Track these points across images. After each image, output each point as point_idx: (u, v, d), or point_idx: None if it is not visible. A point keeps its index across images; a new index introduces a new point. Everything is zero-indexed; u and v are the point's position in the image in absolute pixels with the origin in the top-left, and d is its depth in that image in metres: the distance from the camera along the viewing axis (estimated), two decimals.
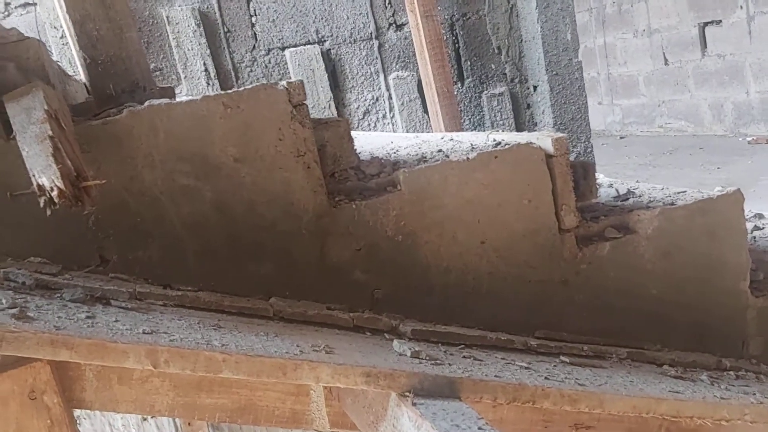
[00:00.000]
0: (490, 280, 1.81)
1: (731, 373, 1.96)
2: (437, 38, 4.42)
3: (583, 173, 1.91)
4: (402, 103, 4.62)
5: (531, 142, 1.81)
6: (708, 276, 2.01)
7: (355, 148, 1.77)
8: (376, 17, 4.50)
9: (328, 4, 4.38)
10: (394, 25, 4.55)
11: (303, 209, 1.61)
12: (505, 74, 4.86)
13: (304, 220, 1.62)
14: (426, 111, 4.64)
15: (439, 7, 4.48)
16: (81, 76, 2.96)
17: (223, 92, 1.53)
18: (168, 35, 4.11)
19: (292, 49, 4.30)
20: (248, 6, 4.24)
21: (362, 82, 4.53)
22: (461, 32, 4.70)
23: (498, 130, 2.55)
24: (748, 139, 8.46)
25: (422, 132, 4.39)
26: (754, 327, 2.10)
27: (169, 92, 1.78)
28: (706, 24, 8.97)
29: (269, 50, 4.30)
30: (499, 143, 1.87)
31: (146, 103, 1.50)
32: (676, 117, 9.73)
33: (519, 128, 4.84)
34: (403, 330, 1.62)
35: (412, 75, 4.62)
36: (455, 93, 4.66)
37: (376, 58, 4.52)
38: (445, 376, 1.38)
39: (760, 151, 7.85)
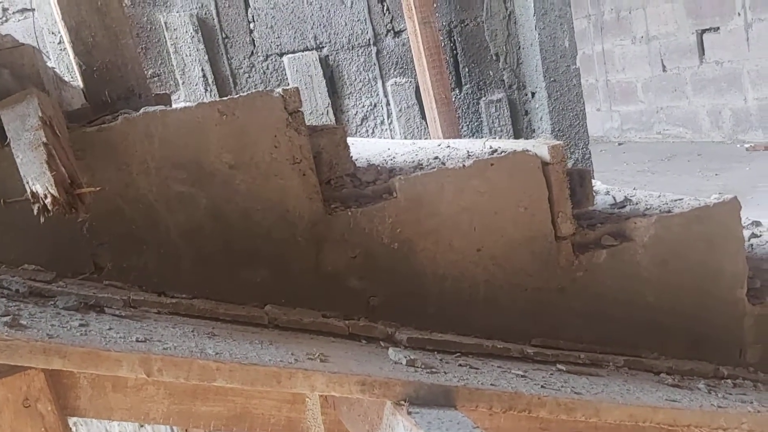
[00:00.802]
0: (487, 287, 1.81)
1: (728, 381, 1.95)
2: (435, 45, 4.42)
3: (579, 180, 1.91)
4: (400, 110, 4.62)
5: (527, 150, 1.81)
6: (705, 284, 2.01)
7: (351, 155, 1.76)
8: (374, 24, 4.50)
9: (326, 11, 4.38)
10: (392, 31, 4.56)
11: (298, 216, 1.61)
12: (503, 81, 4.87)
13: (299, 227, 1.62)
14: (424, 117, 4.65)
15: (437, 14, 4.49)
16: (78, 81, 2.95)
17: (218, 99, 1.53)
18: (166, 41, 4.12)
19: (290, 56, 4.31)
20: (246, 12, 4.25)
21: (360, 89, 4.53)
22: (459, 39, 4.71)
23: (495, 137, 2.55)
24: (746, 145, 8.47)
25: (420, 138, 4.40)
26: (752, 335, 2.10)
27: (165, 99, 1.78)
28: (704, 31, 8.99)
29: (267, 56, 4.30)
30: (496, 150, 1.87)
31: (141, 110, 1.50)
32: (674, 123, 9.74)
33: (517, 135, 4.84)
34: (399, 338, 1.62)
35: (410, 81, 4.63)
36: (453, 99, 4.66)
37: (374, 64, 4.53)
38: (440, 385, 1.37)
39: (758, 158, 7.86)
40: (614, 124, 10.73)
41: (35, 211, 1.25)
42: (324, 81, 4.37)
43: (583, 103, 4.95)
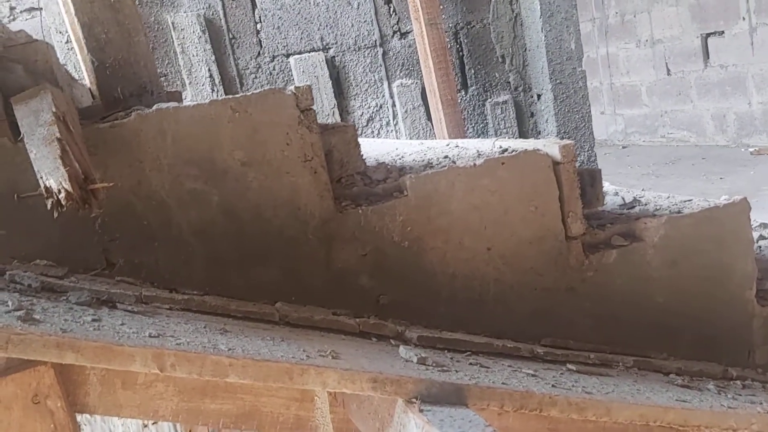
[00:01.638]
0: (497, 286, 1.80)
1: (737, 382, 1.95)
2: (441, 46, 4.42)
3: (590, 180, 1.91)
4: (406, 111, 4.62)
5: (538, 149, 1.81)
6: (714, 285, 2.00)
7: (361, 153, 1.76)
8: (381, 25, 4.51)
9: (333, 12, 4.39)
10: (398, 32, 4.56)
11: (309, 214, 1.61)
12: (509, 83, 4.86)
13: (310, 224, 1.62)
14: (430, 119, 4.65)
15: (443, 15, 4.49)
16: (86, 80, 2.96)
17: (231, 96, 1.53)
18: (173, 41, 4.12)
19: (296, 56, 4.31)
20: (253, 13, 4.25)
21: (366, 90, 4.54)
22: (465, 40, 4.71)
23: (504, 137, 2.54)
24: (751, 149, 8.47)
25: (426, 140, 4.39)
26: (761, 336, 2.09)
27: (177, 96, 1.78)
28: (708, 35, 8.99)
29: (274, 57, 4.30)
30: (506, 150, 1.87)
31: (154, 107, 1.50)
32: (679, 127, 9.74)
33: (523, 137, 4.84)
34: (409, 336, 1.61)
35: (416, 83, 4.63)
36: (459, 101, 4.66)
37: (380, 65, 4.53)
38: (452, 383, 1.37)
39: (762, 162, 7.85)
40: (618, 127, 10.73)
41: (49, 206, 1.25)
42: (330, 82, 4.38)
43: (589, 105, 4.95)
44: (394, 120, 4.64)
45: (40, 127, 1.32)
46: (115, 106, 1.63)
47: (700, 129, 9.43)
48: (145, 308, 1.37)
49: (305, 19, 4.34)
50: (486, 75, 4.82)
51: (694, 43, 9.13)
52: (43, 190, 1.25)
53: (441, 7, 4.46)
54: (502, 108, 4.85)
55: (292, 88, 1.57)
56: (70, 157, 1.29)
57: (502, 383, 1.46)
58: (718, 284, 2.01)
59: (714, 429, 1.68)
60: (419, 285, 1.75)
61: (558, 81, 4.78)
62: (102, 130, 1.47)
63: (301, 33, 4.33)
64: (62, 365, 1.44)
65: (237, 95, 1.54)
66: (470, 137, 4.72)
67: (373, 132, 4.61)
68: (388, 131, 4.63)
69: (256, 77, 4.27)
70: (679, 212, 1.97)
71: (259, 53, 4.28)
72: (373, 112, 4.59)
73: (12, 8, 4.01)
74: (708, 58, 9.05)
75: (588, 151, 4.94)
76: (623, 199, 2.21)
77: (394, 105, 4.62)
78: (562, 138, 4.79)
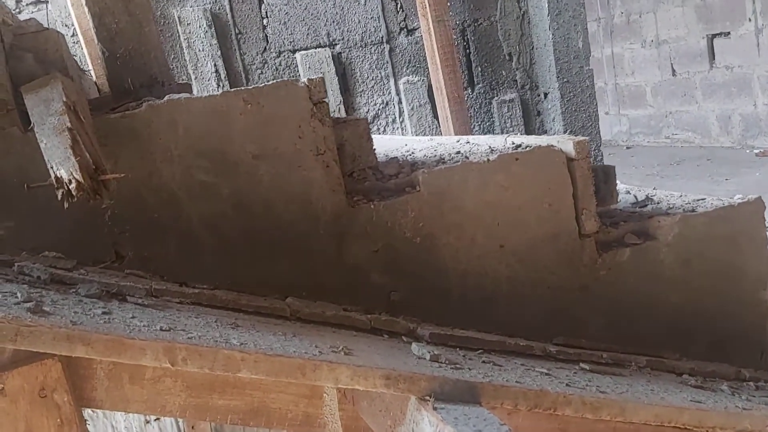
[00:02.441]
0: (509, 284, 1.78)
1: (751, 383, 1.92)
2: (449, 43, 4.40)
3: (604, 177, 1.89)
4: (412, 108, 4.60)
5: (552, 145, 1.78)
6: (728, 285, 1.98)
7: (374, 147, 1.74)
8: (388, 21, 4.48)
9: (340, 8, 4.36)
10: (405, 29, 4.54)
11: (321, 209, 1.59)
12: (516, 81, 4.84)
13: (322, 219, 1.60)
14: (436, 116, 4.62)
15: (450, 13, 4.47)
16: (92, 74, 2.94)
17: (243, 88, 1.51)
18: (179, 36, 4.10)
19: (302, 52, 4.29)
20: (260, 8, 4.23)
21: (372, 86, 4.51)
22: (473, 38, 4.69)
23: (515, 134, 2.52)
24: (756, 151, 8.43)
25: (435, 136, 4.37)
26: None
27: (187, 88, 1.76)
28: (714, 36, 8.96)
29: (280, 53, 4.28)
30: (519, 146, 1.85)
31: (166, 98, 1.48)
32: (683, 128, 9.71)
33: (529, 135, 4.82)
34: (421, 333, 1.59)
35: (423, 80, 4.61)
36: (465, 99, 4.64)
37: (387, 62, 4.51)
38: (466, 381, 1.35)
39: (767, 164, 7.82)
40: (623, 127, 10.70)
41: (59, 197, 1.23)
42: (336, 78, 4.36)
43: (596, 104, 4.93)
44: (400, 117, 4.62)
45: (51, 117, 1.30)
46: (125, 97, 1.61)
47: (705, 130, 9.40)
48: (156, 301, 1.34)
49: (312, 14, 4.32)
50: (493, 73, 4.79)
51: (700, 44, 9.10)
52: (54, 181, 1.23)
53: (448, 4, 4.44)
54: (508, 106, 4.82)
55: (305, 80, 1.54)
56: (80, 147, 1.27)
57: (516, 382, 1.44)
58: (732, 284, 1.99)
59: (728, 430, 1.66)
60: (431, 282, 1.73)
61: (565, 80, 4.75)
62: (113, 121, 1.45)
63: (308, 29, 4.31)
64: (69, 359, 1.42)
65: (249, 87, 1.51)
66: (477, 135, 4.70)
67: (378, 129, 4.59)
68: (394, 128, 4.61)
69: (262, 73, 4.25)
70: (692, 211, 1.95)
71: (265, 48, 4.25)
72: (379, 109, 4.57)
73: (18, 1, 3.99)
74: (713, 59, 9.02)
75: (595, 150, 4.91)
76: (635, 197, 2.18)
77: (400, 102, 4.60)
78: None
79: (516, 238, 1.76)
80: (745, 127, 8.86)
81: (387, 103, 4.57)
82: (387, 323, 1.58)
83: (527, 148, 1.77)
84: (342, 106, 4.39)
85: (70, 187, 1.21)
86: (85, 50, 3.55)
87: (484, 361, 1.55)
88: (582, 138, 1.80)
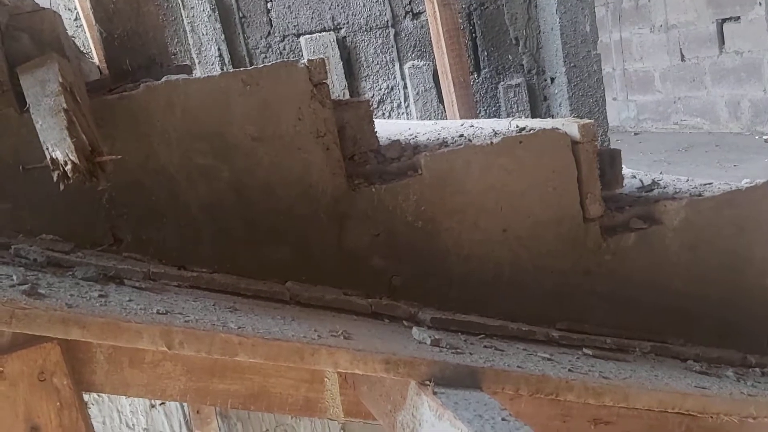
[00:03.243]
0: (512, 269, 1.76)
1: (756, 369, 1.90)
2: (454, 27, 4.35)
3: (609, 161, 1.86)
4: (417, 93, 4.56)
5: (557, 128, 1.76)
6: (734, 270, 1.95)
7: (375, 130, 1.72)
8: (393, 5, 4.44)
9: None
10: (410, 13, 4.49)
11: (321, 192, 1.57)
12: (522, 65, 4.79)
13: (322, 202, 1.58)
14: (441, 101, 4.59)
15: None
16: (94, 57, 2.91)
17: (242, 69, 1.49)
18: (183, 19, 4.07)
19: (307, 36, 4.25)
20: None
21: (377, 71, 4.48)
22: (479, 22, 4.64)
23: (520, 118, 2.50)
24: (765, 137, 8.35)
25: (439, 120, 4.33)
26: None
27: (186, 70, 1.74)
28: (724, 20, 8.85)
29: (284, 37, 4.25)
30: (523, 129, 1.82)
31: (163, 79, 1.46)
32: (692, 114, 9.62)
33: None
34: (423, 318, 1.58)
35: (428, 64, 4.56)
36: (471, 83, 4.60)
37: (392, 46, 4.47)
38: (466, 366, 1.34)
39: None
40: (630, 113, 10.61)
41: (55, 178, 1.21)
42: (341, 62, 4.32)
43: (603, 89, 4.88)
44: (405, 102, 4.58)
45: (47, 98, 1.28)
46: (123, 79, 1.59)
47: (713, 116, 9.31)
48: (153, 285, 1.33)
49: None
50: (499, 57, 4.74)
51: (709, 29, 8.99)
52: (49, 162, 1.21)
53: None
54: (515, 91, 4.78)
55: (305, 61, 1.52)
56: (77, 129, 1.25)
57: (518, 366, 1.42)
58: (738, 270, 1.97)
59: (733, 416, 1.65)
60: (433, 266, 1.71)
61: (572, 64, 4.70)
62: (109, 102, 1.43)
63: (312, 12, 4.27)
64: (68, 342, 1.41)
65: (248, 68, 1.49)
66: None
67: (384, 114, 4.55)
68: (399, 113, 4.58)
69: (266, 57, 4.22)
70: (699, 195, 1.92)
71: (269, 33, 4.22)
72: (384, 94, 4.53)
73: None
74: (723, 44, 8.92)
75: (602, 135, 4.86)
76: (641, 181, 2.15)
77: (405, 87, 4.56)
78: None
79: (519, 222, 1.74)
80: (754, 113, 8.78)
81: (392, 88, 4.54)
82: (388, 307, 1.56)
83: (531, 131, 1.74)
84: (347, 91, 4.35)
85: (66, 169, 1.20)
86: (87, 33, 3.53)
87: (485, 346, 1.53)
88: (587, 120, 1.77)
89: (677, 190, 2.05)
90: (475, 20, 4.63)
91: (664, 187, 2.12)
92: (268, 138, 1.51)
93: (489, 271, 1.75)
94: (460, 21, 4.48)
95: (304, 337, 1.26)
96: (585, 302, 1.84)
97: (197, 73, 3.94)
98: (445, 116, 4.55)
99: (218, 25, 4.07)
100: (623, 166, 2.54)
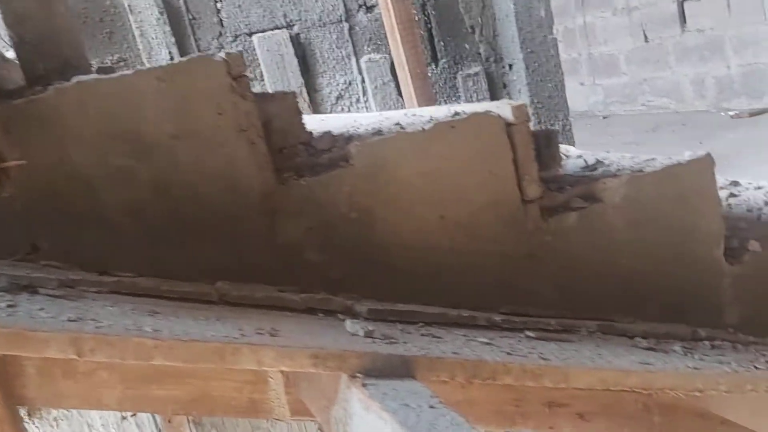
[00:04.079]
0: (453, 255, 1.74)
1: (706, 343, 1.89)
2: (408, 19, 4.33)
3: (546, 142, 1.84)
4: (375, 87, 4.53)
5: (489, 111, 1.73)
6: (680, 244, 1.94)
7: (304, 122, 1.68)
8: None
9: None
10: (364, 6, 4.46)
11: (248, 187, 1.53)
12: (480, 54, 4.78)
13: (250, 198, 1.54)
14: (401, 94, 4.56)
15: None
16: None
17: (156, 66, 1.45)
18: (131, 24, 4.01)
19: (259, 35, 4.21)
20: None
21: (334, 66, 4.44)
22: (433, 12, 4.62)
23: (463, 104, 2.49)
24: (731, 113, 8.43)
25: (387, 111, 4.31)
26: (730, 295, 2.04)
27: (109, 71, 1.69)
28: None
29: (236, 36, 4.20)
30: (458, 114, 1.79)
31: (73, 80, 1.42)
32: (658, 94, 9.69)
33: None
34: (359, 310, 1.55)
35: (385, 57, 4.54)
36: (430, 74, 4.58)
37: (347, 41, 4.43)
38: (399, 355, 1.31)
39: (742, 125, 7.82)
40: (598, 98, 10.66)
41: None
42: (296, 60, 4.28)
43: (562, 73, 4.88)
44: (364, 96, 4.55)
45: None
46: (38, 84, 1.54)
47: (679, 95, 9.38)
48: (69, 292, 1.29)
49: None
50: (456, 47, 4.73)
51: (671, 8, 9.06)
52: None
53: None
54: (473, 80, 4.77)
55: (222, 54, 1.48)
56: None
57: (453, 353, 1.40)
58: (685, 244, 1.95)
59: (679, 391, 1.63)
60: (371, 258, 1.68)
61: (529, 50, 4.70)
62: (18, 107, 1.38)
63: (264, 10, 4.23)
64: None
65: (163, 64, 1.45)
66: None
67: (343, 109, 4.53)
68: (358, 108, 4.55)
69: None
70: (641, 170, 1.91)
71: (220, 33, 4.17)
72: (342, 90, 4.50)
73: None
74: (685, 22, 8.98)
75: (563, 119, 4.87)
76: (585, 161, 2.14)
77: (363, 81, 4.53)
78: (535, 107, 4.72)
79: (456, 208, 1.72)
80: (719, 89, 8.85)
81: (350, 83, 4.50)
82: (322, 302, 1.53)
83: (464, 116, 1.72)
84: (303, 88, 4.32)
85: None
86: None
87: (423, 334, 1.51)
88: (520, 102, 1.75)
89: (620, 168, 2.03)
90: (429, 11, 4.61)
91: (609, 166, 2.10)
92: (188, 135, 1.47)
93: (430, 259, 1.73)
94: (415, 12, 4.45)
95: (225, 337, 1.22)
96: (530, 286, 1.82)
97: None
98: (405, 108, 4.52)
99: (168, 28, 4.02)
100: (572, 147, 2.53)
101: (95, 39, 4.02)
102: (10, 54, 1.76)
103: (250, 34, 4.20)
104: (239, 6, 4.16)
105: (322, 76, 4.41)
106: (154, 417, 3.84)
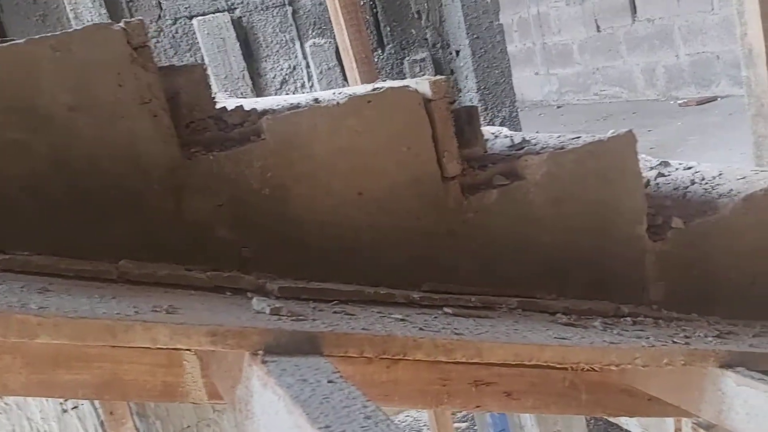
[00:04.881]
0: (371, 233, 1.71)
1: (628, 319, 1.90)
2: (352, 3, 4.28)
3: (467, 119, 1.82)
4: (321, 72, 4.48)
5: (407, 86, 1.71)
6: (603, 222, 1.95)
7: (213, 95, 1.64)
8: None
9: None
10: None
11: (152, 162, 1.48)
12: (427, 39, 4.76)
13: (154, 174, 1.49)
14: (346, 79, 4.52)
15: None
16: None
17: (50, 34, 1.38)
18: (65, 7, 3.89)
19: (200, 18, 4.12)
20: None
21: (277, 51, 4.38)
22: None
23: (387, 81, 2.47)
24: (679, 102, 8.58)
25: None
26: (654, 272, 2.05)
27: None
28: None
29: (176, 19, 4.10)
30: (377, 89, 1.76)
31: None
32: (611, 84, 9.81)
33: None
34: (270, 288, 1.51)
35: (330, 42, 4.49)
36: (376, 60, 4.54)
37: (291, 25, 4.37)
38: (304, 332, 1.28)
39: (689, 113, 7.97)
40: (552, 87, 10.76)
41: None
42: (238, 44, 4.20)
43: (508, 60, 4.89)
44: (309, 81, 4.50)
45: None
46: None
47: (630, 84, 9.51)
48: None
49: None
50: (402, 32, 4.70)
51: None
52: None
53: None
54: (420, 66, 4.75)
55: (121, 23, 1.43)
56: None
57: (363, 329, 1.37)
58: (607, 221, 1.96)
59: (595, 365, 1.64)
60: (286, 235, 1.65)
61: (475, 36, 4.69)
62: None
63: None
64: None
65: (58, 33, 1.39)
66: None
67: (287, 94, 4.46)
68: (303, 93, 4.49)
69: (158, 41, 4.07)
70: (562, 148, 1.91)
71: (159, 16, 4.07)
72: (286, 74, 4.44)
73: None
74: (635, 12, 9.10)
75: (509, 106, 4.88)
76: (512, 140, 2.13)
77: (308, 66, 4.48)
78: (482, 94, 4.72)
79: (375, 184, 1.69)
80: (668, 78, 9.00)
81: (294, 68, 4.44)
82: (230, 280, 1.49)
83: (380, 90, 1.69)
84: (246, 72, 4.25)
85: None
86: None
87: (335, 312, 1.48)
88: (439, 77, 1.73)
89: (545, 146, 2.03)
90: None
91: (535, 145, 2.10)
92: (87, 107, 1.41)
93: (348, 237, 1.70)
94: None
95: (117, 314, 1.17)
96: (451, 263, 1.80)
97: None
98: None
99: (103, 11, 3.91)
100: (504, 128, 2.53)
101: (28, 21, 3.89)
102: None
103: (191, 17, 4.11)
104: None
105: (266, 61, 4.34)
106: (96, 410, 3.75)
